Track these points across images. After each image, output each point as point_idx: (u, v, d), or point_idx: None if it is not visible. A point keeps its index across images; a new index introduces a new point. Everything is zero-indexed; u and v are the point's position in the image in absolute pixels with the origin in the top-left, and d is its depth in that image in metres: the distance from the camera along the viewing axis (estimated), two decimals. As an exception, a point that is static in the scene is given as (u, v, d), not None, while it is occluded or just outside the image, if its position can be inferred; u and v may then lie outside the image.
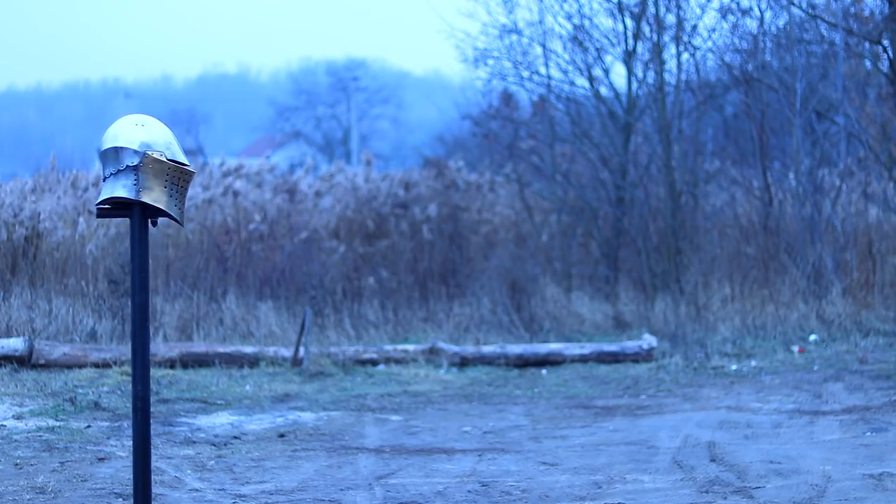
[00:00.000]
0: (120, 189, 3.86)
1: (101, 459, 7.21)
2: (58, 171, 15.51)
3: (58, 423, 8.35)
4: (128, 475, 6.69)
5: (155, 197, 3.88)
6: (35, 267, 13.05)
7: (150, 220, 3.96)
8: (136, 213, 3.90)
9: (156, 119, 3.97)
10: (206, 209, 15.01)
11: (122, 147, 3.87)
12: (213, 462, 7.26)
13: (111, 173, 3.89)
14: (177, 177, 3.89)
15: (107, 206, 3.95)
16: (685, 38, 15.91)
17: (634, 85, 16.57)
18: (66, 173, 15.41)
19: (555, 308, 14.39)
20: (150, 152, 3.84)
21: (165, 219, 4.04)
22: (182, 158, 3.93)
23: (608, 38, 16.55)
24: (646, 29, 16.06)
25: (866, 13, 14.94)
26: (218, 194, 15.42)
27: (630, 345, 11.93)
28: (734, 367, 11.22)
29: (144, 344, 3.95)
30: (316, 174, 19.06)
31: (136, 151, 3.85)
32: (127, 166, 3.87)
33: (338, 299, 13.53)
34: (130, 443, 7.72)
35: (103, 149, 3.93)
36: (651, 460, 7.15)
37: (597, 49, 16.65)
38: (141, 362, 3.93)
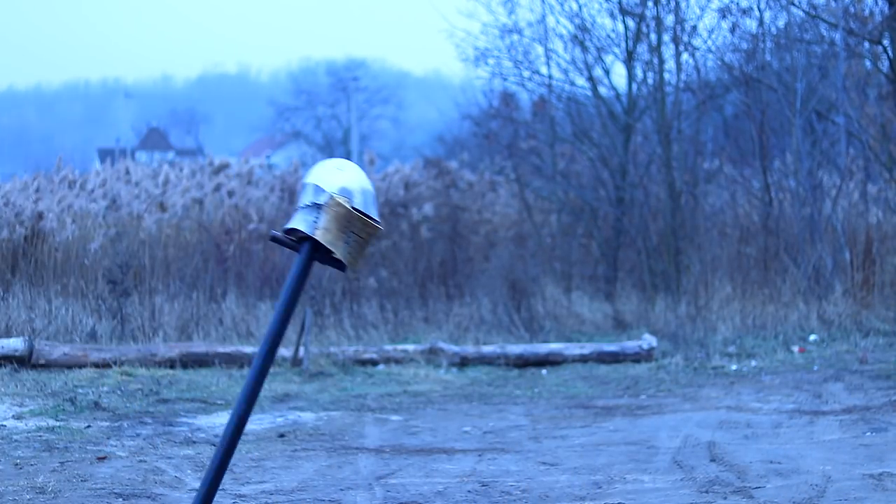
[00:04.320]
0: (301, 222, 4.01)
1: (101, 459, 7.21)
2: (62, 170, 15.53)
3: (58, 423, 8.35)
4: (128, 475, 6.69)
5: (330, 239, 3.97)
6: (35, 267, 13.06)
7: (318, 261, 4.10)
8: (306, 248, 4.04)
9: (357, 167, 4.11)
10: (201, 208, 15.00)
11: (316, 185, 4.01)
12: (213, 462, 7.25)
13: (301, 206, 4.05)
14: (358, 227, 3.98)
15: (281, 234, 4.09)
16: (685, 39, 15.91)
17: (634, 85, 16.58)
18: (66, 173, 15.42)
19: (555, 308, 14.39)
20: (337, 196, 3.94)
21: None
22: (373, 213, 4.01)
23: (608, 39, 16.56)
24: (645, 29, 16.07)
25: (866, 13, 14.93)
26: (210, 190, 15.41)
27: (630, 345, 11.93)
28: (734, 367, 11.22)
29: (265, 372, 4.03)
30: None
31: (325, 191, 3.99)
32: (314, 203, 3.99)
33: (337, 299, 13.53)
34: (131, 443, 7.73)
35: (304, 181, 4.09)
36: (651, 460, 7.15)
37: (597, 49, 16.66)
38: (254, 386, 4.00)
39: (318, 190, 3.99)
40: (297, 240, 4.07)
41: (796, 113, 14.65)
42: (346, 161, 4.11)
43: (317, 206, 3.98)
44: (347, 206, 3.96)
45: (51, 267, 13.10)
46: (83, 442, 7.76)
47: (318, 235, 3.95)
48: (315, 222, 3.97)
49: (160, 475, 6.71)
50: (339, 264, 4.07)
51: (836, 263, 14.19)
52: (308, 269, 4.08)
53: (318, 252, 4.04)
